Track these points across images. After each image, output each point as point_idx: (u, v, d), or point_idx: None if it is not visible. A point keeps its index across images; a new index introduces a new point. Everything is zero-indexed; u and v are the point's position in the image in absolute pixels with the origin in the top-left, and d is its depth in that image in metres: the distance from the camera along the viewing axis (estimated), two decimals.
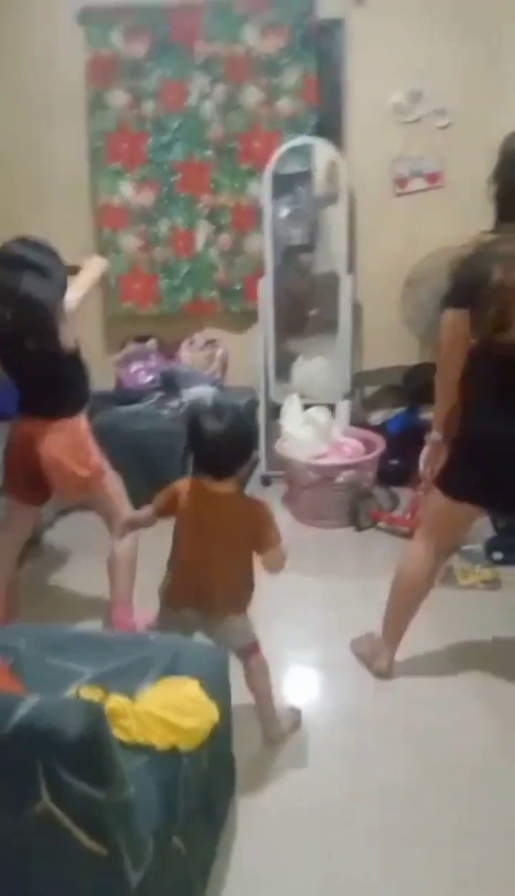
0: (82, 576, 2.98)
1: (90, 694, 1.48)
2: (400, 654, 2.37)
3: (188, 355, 4.04)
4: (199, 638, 1.99)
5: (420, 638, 2.39)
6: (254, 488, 3.82)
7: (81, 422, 2.45)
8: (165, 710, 1.48)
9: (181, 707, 1.51)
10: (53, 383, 2.37)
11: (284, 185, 3.72)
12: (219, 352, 4.04)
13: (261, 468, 3.86)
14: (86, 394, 2.51)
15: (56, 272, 2.32)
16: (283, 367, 3.92)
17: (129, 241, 3.92)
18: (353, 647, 2.45)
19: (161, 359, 4.01)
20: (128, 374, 3.98)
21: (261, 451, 3.85)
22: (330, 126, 3.70)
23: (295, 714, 2.16)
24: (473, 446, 2.09)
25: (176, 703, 1.52)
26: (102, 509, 2.52)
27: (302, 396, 3.74)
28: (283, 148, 3.59)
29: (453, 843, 1.77)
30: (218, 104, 3.70)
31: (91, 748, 1.02)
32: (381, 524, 3.38)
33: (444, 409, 2.14)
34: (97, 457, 2.44)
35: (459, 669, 2.38)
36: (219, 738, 1.69)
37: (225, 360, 4.06)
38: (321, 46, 3.60)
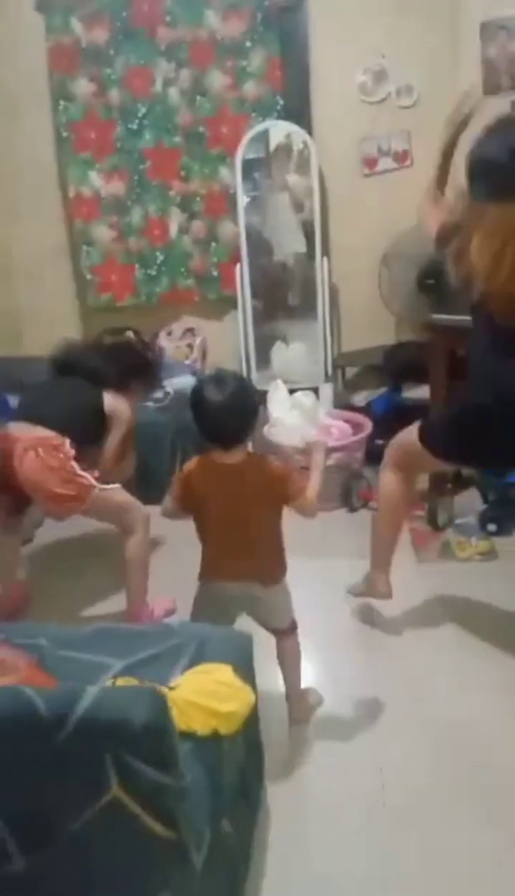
0: (93, 571, 2.98)
1: (125, 684, 1.47)
2: (406, 629, 2.42)
3: (168, 346, 4.01)
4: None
5: (424, 612, 2.42)
6: None
7: (65, 442, 2.36)
8: (202, 697, 1.48)
9: (217, 692, 1.50)
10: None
11: (246, 170, 3.69)
12: (198, 340, 4.02)
13: None
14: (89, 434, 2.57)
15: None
16: (263, 353, 3.92)
17: (103, 233, 3.87)
18: (351, 592, 2.54)
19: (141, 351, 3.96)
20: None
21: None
22: (297, 108, 3.69)
23: (316, 693, 2.18)
24: (468, 414, 2.12)
25: (211, 688, 1.51)
26: (106, 519, 2.49)
27: (284, 382, 3.74)
28: (252, 132, 3.58)
29: (487, 818, 1.78)
30: (184, 89, 3.67)
31: (157, 735, 1.02)
32: (373, 504, 3.40)
33: None
34: (81, 475, 2.33)
35: (463, 640, 2.41)
36: (251, 724, 1.69)
37: (204, 349, 4.04)
38: (284, 28, 3.58)
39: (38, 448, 2.24)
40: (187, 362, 3.93)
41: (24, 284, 4.08)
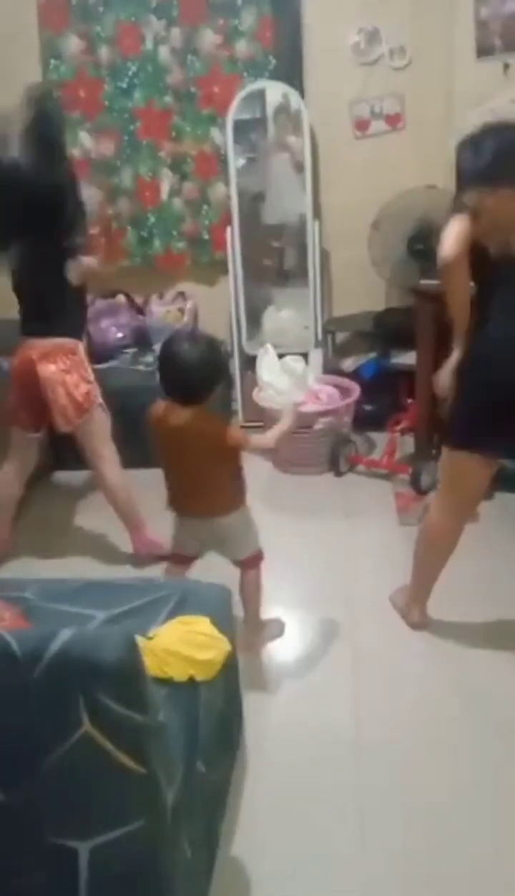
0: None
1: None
2: (383, 590, 2.47)
3: (158, 310, 4.01)
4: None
5: (403, 573, 2.47)
6: None
7: (79, 346, 2.59)
8: (181, 645, 1.54)
9: (195, 641, 1.56)
10: (55, 301, 2.50)
11: (239, 131, 3.67)
12: (189, 304, 4.02)
13: (239, 419, 3.89)
14: (83, 326, 2.71)
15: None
16: (254, 318, 3.93)
17: (92, 195, 3.84)
18: (392, 599, 2.43)
19: (131, 314, 3.98)
20: (98, 331, 3.94)
21: (238, 402, 3.88)
22: (289, 69, 3.65)
23: (280, 625, 2.34)
24: (486, 390, 1.97)
25: (190, 638, 1.57)
26: (87, 445, 2.65)
27: (274, 347, 3.75)
28: (243, 92, 3.55)
29: (462, 753, 1.87)
30: (174, 48, 3.63)
31: (128, 673, 1.07)
32: (360, 468, 3.45)
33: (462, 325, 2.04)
34: (93, 387, 2.59)
35: (439, 598, 2.41)
36: (230, 672, 1.75)
37: (195, 313, 4.04)
38: None
39: (54, 353, 2.50)
40: (178, 326, 3.93)
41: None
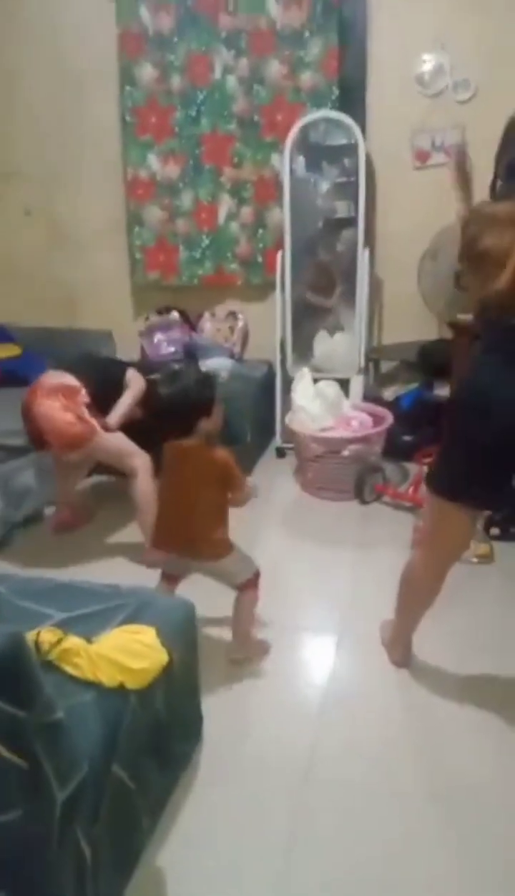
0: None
1: (48, 634, 1.59)
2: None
3: (209, 327, 4.12)
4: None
5: None
6: (268, 460, 3.92)
7: (82, 390, 2.71)
8: (116, 652, 1.59)
9: (132, 650, 1.61)
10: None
11: (329, 156, 3.76)
12: (240, 324, 4.11)
13: (277, 440, 3.94)
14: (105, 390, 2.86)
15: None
16: (304, 340, 3.97)
17: (154, 214, 4.02)
18: (381, 630, 2.38)
19: (183, 330, 4.11)
20: (151, 345, 4.09)
21: (277, 424, 3.93)
22: (351, 98, 3.70)
23: (264, 647, 2.36)
24: (475, 435, 1.86)
25: (128, 646, 1.62)
26: (108, 461, 2.81)
27: (320, 370, 3.79)
28: (301, 122, 3.62)
29: (422, 801, 1.83)
30: (241, 77, 3.74)
31: (9, 670, 1.13)
32: (386, 498, 3.42)
33: None
34: (87, 419, 2.68)
35: (450, 643, 2.38)
36: (179, 685, 1.79)
37: (245, 333, 4.13)
38: (343, 18, 3.59)
39: (57, 392, 2.65)
40: (226, 345, 4.03)
41: (81, 259, 4.28)
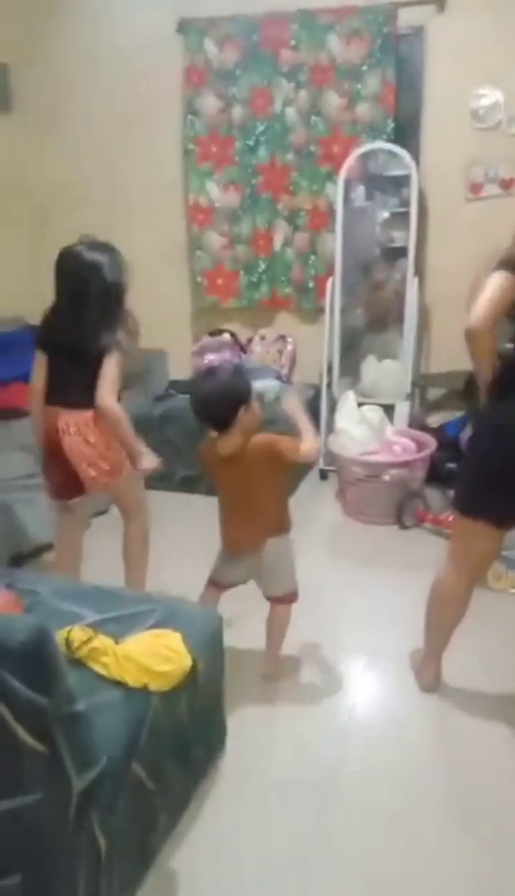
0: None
1: (78, 633, 1.68)
2: (414, 648, 2.42)
3: (259, 349, 4.21)
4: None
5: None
6: (311, 482, 3.96)
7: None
8: (142, 655, 1.66)
9: (158, 653, 1.68)
10: (85, 382, 2.35)
11: (388, 186, 3.85)
12: (289, 348, 4.18)
13: (320, 462, 3.98)
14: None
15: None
16: (354, 366, 4.02)
17: (213, 239, 4.15)
18: (412, 656, 2.40)
19: (234, 351, 4.20)
20: (202, 366, 4.19)
21: (322, 447, 3.97)
22: (407, 131, 3.77)
23: (296, 664, 2.43)
24: (488, 460, 1.97)
25: (154, 649, 1.69)
26: (120, 503, 2.62)
27: (367, 395, 3.83)
28: (356, 153, 3.70)
29: (445, 824, 1.83)
30: (301, 110, 3.86)
31: (33, 658, 1.21)
32: (427, 525, 3.43)
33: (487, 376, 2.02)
34: (117, 454, 2.42)
35: (481, 670, 2.39)
36: (204, 693, 1.85)
37: (293, 356, 4.20)
38: (401, 53, 3.68)
39: (79, 424, 2.40)
40: (274, 366, 4.11)
41: (143, 283, 4.41)
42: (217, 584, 2.36)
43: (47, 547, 3.14)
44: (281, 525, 2.27)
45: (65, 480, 2.45)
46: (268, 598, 2.32)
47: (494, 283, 1.92)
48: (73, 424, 2.37)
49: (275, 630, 2.36)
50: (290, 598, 2.32)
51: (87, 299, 2.35)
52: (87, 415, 2.36)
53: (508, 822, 1.83)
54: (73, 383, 2.38)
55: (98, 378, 2.31)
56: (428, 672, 2.30)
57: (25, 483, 3.07)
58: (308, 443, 2.17)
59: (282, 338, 4.20)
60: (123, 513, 2.63)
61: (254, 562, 2.26)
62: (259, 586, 2.32)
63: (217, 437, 2.19)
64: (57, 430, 2.39)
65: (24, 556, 3.02)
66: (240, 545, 2.28)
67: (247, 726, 2.12)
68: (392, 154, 3.71)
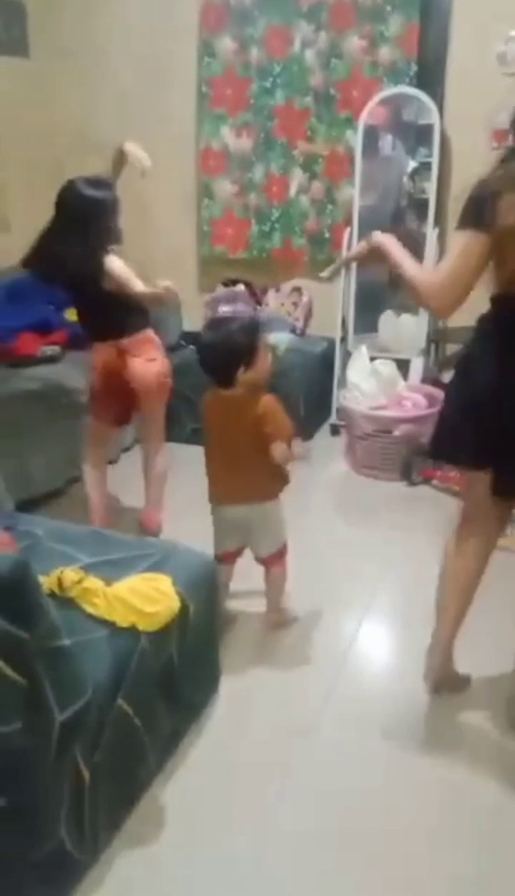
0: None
1: (70, 573, 1.70)
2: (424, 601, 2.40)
3: (274, 301, 4.16)
4: None
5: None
6: (323, 436, 3.95)
7: (150, 332, 2.67)
8: (132, 595, 1.68)
9: (147, 595, 1.70)
10: (107, 309, 2.56)
11: (417, 136, 3.73)
12: (304, 299, 4.13)
13: (332, 417, 3.96)
14: (145, 312, 2.66)
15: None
16: (371, 320, 3.95)
17: (225, 187, 4.07)
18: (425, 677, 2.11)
19: (248, 303, 4.15)
20: (214, 317, 4.16)
21: (333, 401, 3.95)
22: (429, 76, 3.64)
23: (293, 616, 2.43)
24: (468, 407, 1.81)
25: (144, 591, 1.71)
26: (148, 427, 2.81)
27: (383, 350, 3.78)
28: (377, 98, 3.59)
29: (421, 769, 1.87)
30: (320, 51, 3.73)
31: (12, 591, 1.23)
32: (434, 482, 3.40)
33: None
34: (167, 368, 2.70)
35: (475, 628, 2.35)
36: (195, 635, 1.87)
37: (309, 308, 4.15)
38: None
39: (135, 347, 2.62)
40: (289, 319, 4.06)
41: (151, 230, 4.37)
42: (221, 558, 2.29)
43: (56, 493, 3.20)
44: (273, 490, 2.23)
45: (124, 405, 2.73)
46: (261, 561, 2.31)
47: (461, 248, 1.64)
48: (134, 348, 2.61)
49: (273, 590, 2.37)
50: (280, 556, 2.30)
51: (80, 224, 2.55)
52: (139, 336, 2.62)
53: (499, 777, 1.85)
54: (103, 316, 2.61)
55: (116, 297, 2.48)
56: (435, 656, 2.05)
57: (35, 430, 3.11)
58: (278, 451, 2.09)
59: (298, 289, 4.14)
60: (148, 439, 2.84)
61: (246, 517, 2.23)
62: (252, 551, 2.32)
63: (217, 391, 2.15)
64: (113, 361, 2.62)
65: (33, 502, 3.06)
66: (230, 496, 2.22)
67: (240, 672, 2.16)
68: (417, 101, 3.59)
